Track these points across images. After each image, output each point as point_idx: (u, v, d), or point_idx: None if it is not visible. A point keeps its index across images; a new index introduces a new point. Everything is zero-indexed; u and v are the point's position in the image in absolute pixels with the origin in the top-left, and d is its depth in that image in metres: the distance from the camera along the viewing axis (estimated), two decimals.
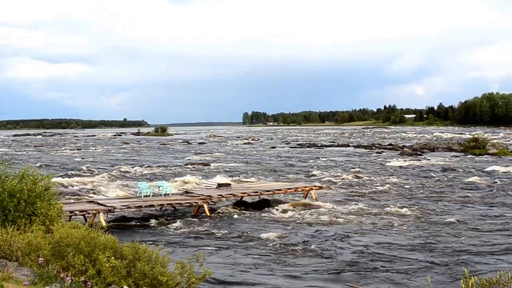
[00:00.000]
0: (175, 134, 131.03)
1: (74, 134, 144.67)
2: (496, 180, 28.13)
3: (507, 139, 77.83)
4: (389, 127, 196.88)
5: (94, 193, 24.13)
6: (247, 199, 21.27)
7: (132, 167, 37.15)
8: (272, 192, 21.14)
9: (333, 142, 77.69)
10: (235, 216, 18.60)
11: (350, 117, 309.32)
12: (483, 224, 16.72)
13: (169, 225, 16.85)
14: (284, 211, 19.27)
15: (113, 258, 7.05)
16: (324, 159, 44.87)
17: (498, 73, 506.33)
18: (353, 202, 21.00)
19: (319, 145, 69.34)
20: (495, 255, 12.84)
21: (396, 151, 54.67)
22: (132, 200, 18.80)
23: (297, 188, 22.31)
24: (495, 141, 65.49)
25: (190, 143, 77.52)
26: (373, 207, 19.99)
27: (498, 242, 14.27)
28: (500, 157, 44.54)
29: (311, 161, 42.90)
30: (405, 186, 26.09)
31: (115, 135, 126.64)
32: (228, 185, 22.53)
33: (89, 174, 33.03)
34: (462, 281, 5.53)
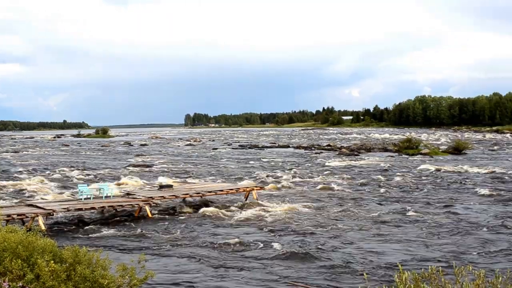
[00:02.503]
0: (117, 136, 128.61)
1: (12, 136, 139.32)
2: (427, 178, 29.20)
3: (438, 140, 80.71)
4: (327, 128, 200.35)
5: (33, 196, 23.41)
6: (189, 200, 21.23)
7: (72, 170, 36.30)
8: (214, 193, 21.19)
9: (274, 143, 78.32)
10: (177, 217, 18.54)
11: (290, 118, 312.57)
12: (417, 219, 17.31)
13: (110, 228, 16.61)
14: (226, 211, 19.35)
15: (52, 262, 6.90)
16: (265, 160, 45.23)
17: (429, 77, 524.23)
18: (294, 202, 21.30)
19: (260, 146, 69.79)
20: (425, 250, 13.33)
21: (335, 151, 55.73)
22: (72, 203, 18.39)
23: (239, 188, 22.44)
24: (427, 141, 67.85)
25: (132, 145, 76.37)
26: (313, 206, 20.35)
27: (427, 238, 14.83)
28: (432, 157, 46.26)
29: (253, 162, 43.17)
30: (343, 185, 26.66)
31: (54, 137, 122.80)
32: (170, 186, 22.39)
33: (28, 177, 32.00)
34: (396, 275, 5.73)
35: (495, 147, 61.85)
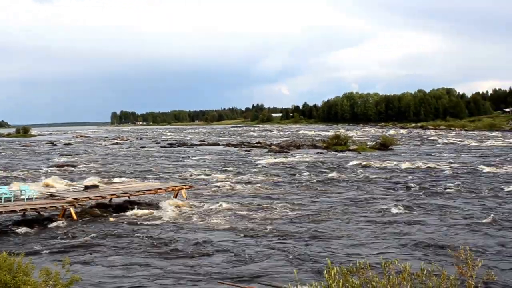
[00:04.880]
0: (39, 135, 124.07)
1: None
2: (355, 174, 29.91)
3: (366, 136, 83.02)
4: (257, 125, 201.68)
5: None
6: (116, 200, 20.72)
7: None
8: (142, 193, 20.77)
9: (203, 141, 78.06)
10: (104, 218, 18.04)
11: (220, 116, 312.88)
12: (344, 215, 17.66)
13: (33, 231, 15.95)
14: (155, 211, 19.02)
15: None
16: (194, 158, 44.94)
17: (356, 74, 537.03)
18: (223, 200, 21.22)
19: (189, 144, 69.35)
20: (357, 244, 13.60)
21: (265, 149, 56.13)
22: None
23: (167, 187, 22.11)
24: (355, 138, 69.64)
25: (55, 144, 73.84)
26: (243, 203, 20.36)
27: (359, 231, 15.15)
28: (360, 153, 47.52)
29: (182, 160, 42.79)
30: (274, 182, 26.87)
31: None
32: (96, 186, 21.74)
33: None
34: (325, 271, 5.77)
35: (420, 143, 64.27)
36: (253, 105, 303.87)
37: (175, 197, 21.56)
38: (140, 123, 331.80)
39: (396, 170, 32.46)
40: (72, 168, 36.35)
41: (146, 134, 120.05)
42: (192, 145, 66.55)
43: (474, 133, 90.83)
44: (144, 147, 63.81)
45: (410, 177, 28.62)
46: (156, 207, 19.83)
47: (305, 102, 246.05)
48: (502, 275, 10.52)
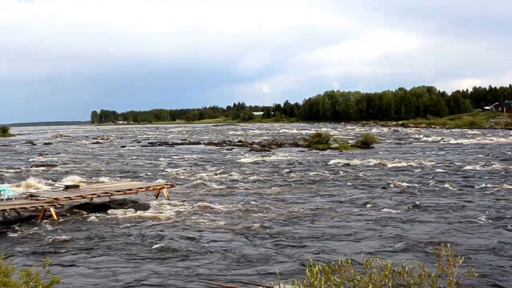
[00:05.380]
0: (18, 134, 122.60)
1: None
2: (337, 172, 30.06)
3: (347, 134, 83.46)
4: (239, 124, 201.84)
5: None
6: (97, 200, 20.54)
7: None
8: (123, 192, 20.62)
9: (185, 140, 77.84)
10: (85, 218, 17.88)
11: (201, 114, 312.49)
12: (327, 213, 17.72)
13: (13, 232, 15.75)
14: (136, 211, 18.90)
15: None
16: (176, 157, 44.78)
17: (338, 72, 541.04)
18: (205, 199, 21.20)
19: (171, 143, 69.10)
20: (336, 243, 13.65)
21: (246, 147, 56.14)
22: None
23: (149, 187, 21.98)
24: (336, 136, 70.00)
25: (35, 144, 73.02)
26: (225, 202, 20.33)
27: (343, 229, 15.22)
28: (341, 151, 47.74)
29: (163, 159, 42.61)
30: (255, 181, 26.87)
31: None
32: (76, 186, 21.54)
33: None
34: (307, 269, 5.78)
35: (401, 141, 64.76)
36: (234, 104, 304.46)
37: (157, 197, 21.46)
38: (121, 122, 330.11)
39: (378, 168, 32.67)
40: (52, 168, 36.00)
41: (127, 133, 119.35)
42: (173, 144, 66.33)
43: (454, 131, 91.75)
44: (124, 146, 63.44)
45: (392, 174, 28.82)
46: (137, 206, 19.69)
47: (287, 101, 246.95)
48: (485, 271, 10.63)
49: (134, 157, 45.75)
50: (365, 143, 53.57)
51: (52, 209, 17.69)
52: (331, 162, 36.73)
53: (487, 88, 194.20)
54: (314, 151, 49.13)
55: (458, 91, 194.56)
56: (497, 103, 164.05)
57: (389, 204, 19.57)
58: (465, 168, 31.39)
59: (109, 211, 18.78)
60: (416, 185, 24.52)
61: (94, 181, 27.37)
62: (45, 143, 74.93)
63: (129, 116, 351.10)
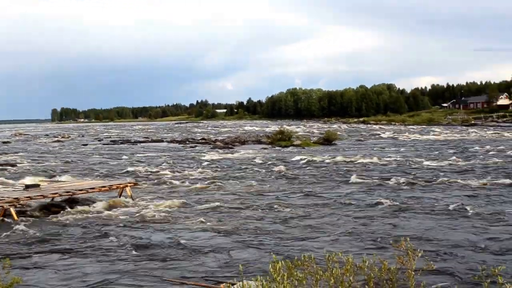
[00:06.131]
0: None
1: None
2: (300, 169, 30.34)
3: (310, 131, 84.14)
4: (201, 121, 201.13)
5: None
6: (59, 199, 20.24)
7: None
8: (85, 191, 20.33)
9: (147, 137, 77.19)
10: (46, 219, 17.61)
11: (163, 112, 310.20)
12: (290, 210, 17.90)
13: None
14: (98, 210, 18.71)
15: None
16: (138, 155, 44.40)
17: (300, 70, 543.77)
18: (169, 197, 21.13)
19: (133, 141, 68.44)
20: (298, 239, 13.83)
21: (209, 145, 56.09)
22: None
23: (112, 185, 21.73)
24: (299, 133, 70.54)
25: None
26: (188, 200, 20.30)
27: (307, 225, 15.40)
28: (304, 148, 48.23)
29: (125, 157, 42.20)
30: (218, 178, 26.87)
31: None
32: (37, 186, 21.14)
33: None
34: (270, 265, 5.87)
35: (362, 137, 65.67)
36: (197, 101, 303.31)
37: (120, 195, 21.27)
38: (82, 120, 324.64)
39: (339, 164, 33.08)
40: (11, 167, 35.20)
41: (89, 132, 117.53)
42: (135, 142, 65.71)
43: (413, 128, 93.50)
44: (86, 145, 62.53)
45: (354, 170, 29.23)
46: (100, 206, 19.49)
47: (250, 98, 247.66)
48: (445, 264, 10.93)
49: (96, 156, 45.18)
50: (327, 140, 54.20)
51: (12, 209, 17.34)
52: (294, 158, 37.03)
53: (445, 86, 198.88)
54: (277, 148, 49.40)
55: (417, 89, 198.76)
56: (454, 100, 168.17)
57: (352, 199, 19.88)
58: (425, 163, 32.11)
59: (71, 211, 18.54)
60: (377, 180, 24.98)
61: (55, 180, 26.92)
62: (3, 142, 73.13)
63: (91, 114, 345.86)
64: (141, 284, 10.51)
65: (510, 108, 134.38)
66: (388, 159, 35.67)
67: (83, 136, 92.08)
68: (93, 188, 20.79)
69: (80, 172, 31.61)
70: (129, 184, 22.05)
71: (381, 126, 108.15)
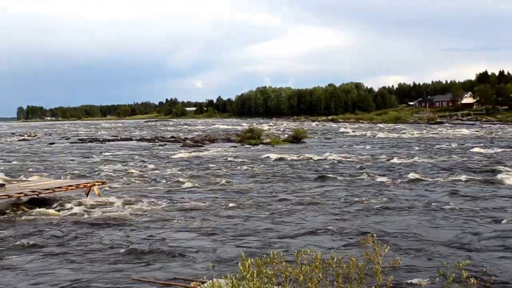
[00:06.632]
0: None
1: None
2: (269, 167, 30.42)
3: (279, 129, 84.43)
4: (171, 120, 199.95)
5: None
6: (24, 199, 19.87)
7: None
8: (52, 191, 20.00)
9: (116, 136, 76.40)
10: (11, 219, 17.27)
11: (133, 110, 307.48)
12: (259, 208, 17.94)
13: None
14: (65, 210, 18.44)
15: None
16: (107, 153, 43.91)
17: (269, 68, 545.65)
18: (137, 196, 20.95)
19: (101, 139, 67.65)
20: (267, 237, 13.88)
21: (179, 143, 55.81)
22: None
23: (79, 184, 21.42)
24: (268, 131, 70.74)
25: None
26: (158, 199, 20.17)
27: (278, 223, 15.46)
28: (273, 146, 48.42)
29: (94, 156, 41.68)
30: (188, 176, 26.77)
31: None
32: (2, 185, 20.72)
33: None
34: (240, 263, 5.89)
35: (331, 135, 66.21)
36: (166, 99, 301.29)
37: (87, 194, 20.99)
38: (49, 118, 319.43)
39: (308, 162, 33.31)
40: None
41: (56, 130, 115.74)
42: (104, 141, 64.97)
43: (381, 126, 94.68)
44: (53, 143, 61.56)
45: (323, 168, 29.48)
46: (67, 205, 19.21)
47: (219, 96, 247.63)
48: (412, 259, 11.11)
49: (63, 154, 44.50)
50: (297, 138, 54.52)
51: None
52: (263, 156, 37.15)
53: (411, 85, 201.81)
54: (246, 146, 49.48)
55: (384, 87, 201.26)
56: (420, 99, 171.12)
57: (323, 196, 20.04)
58: (392, 161, 32.53)
59: (38, 211, 18.23)
60: (347, 177, 25.23)
61: (21, 179, 26.43)
62: None
63: (58, 112, 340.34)
64: (110, 284, 10.41)
65: (474, 106, 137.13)
66: (356, 156, 36.06)
67: (50, 134, 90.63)
68: (59, 188, 20.44)
69: (47, 171, 31.11)
70: (96, 183, 21.77)
71: (349, 124, 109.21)
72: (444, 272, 6.22)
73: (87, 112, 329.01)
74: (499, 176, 24.17)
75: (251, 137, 53.81)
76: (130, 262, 11.89)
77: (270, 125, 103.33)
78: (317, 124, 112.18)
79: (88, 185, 21.43)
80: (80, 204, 19.35)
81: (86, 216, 17.36)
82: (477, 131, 69.23)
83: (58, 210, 18.34)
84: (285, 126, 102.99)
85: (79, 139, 69.23)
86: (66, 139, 72.88)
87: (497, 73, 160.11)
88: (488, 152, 37.75)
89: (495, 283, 9.64)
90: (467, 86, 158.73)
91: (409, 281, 9.88)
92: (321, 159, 34.56)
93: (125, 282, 10.49)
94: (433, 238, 13.32)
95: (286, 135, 61.89)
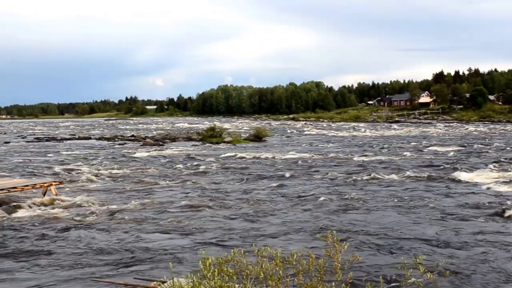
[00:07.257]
0: None
1: None
2: (230, 165, 30.41)
3: (240, 128, 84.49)
4: (131, 118, 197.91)
5: None
6: None
7: None
8: (6, 191, 19.48)
9: (74, 135, 75.11)
10: None
11: (91, 108, 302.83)
12: (220, 206, 17.91)
13: None
14: (21, 210, 17.99)
15: None
16: (65, 153, 43.09)
17: (231, 67, 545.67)
18: (97, 195, 20.63)
19: (59, 138, 66.37)
20: (225, 234, 13.87)
21: (139, 142, 55.27)
22: None
23: (35, 184, 20.95)
24: (230, 130, 70.73)
25: None
26: (117, 199, 19.93)
27: (237, 221, 15.45)
28: (235, 145, 48.39)
29: (51, 155, 40.84)
30: (147, 176, 26.52)
31: None
32: None
33: None
34: (200, 261, 5.86)
35: (291, 134, 66.61)
36: (126, 98, 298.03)
37: (44, 194, 20.55)
38: (4, 116, 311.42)
39: (269, 160, 33.45)
40: None
41: (11, 129, 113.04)
42: (62, 140, 63.74)
43: (341, 124, 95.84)
44: (9, 142, 60.05)
45: (283, 166, 29.63)
46: (23, 205, 18.77)
47: (180, 95, 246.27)
48: (373, 255, 11.26)
49: (19, 154, 43.43)
50: (257, 137, 54.69)
51: None
52: (225, 155, 37.17)
53: (371, 84, 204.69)
54: (207, 144, 49.36)
55: (344, 87, 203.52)
56: (379, 98, 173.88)
57: (284, 193, 20.15)
58: (353, 158, 32.98)
59: None
60: (307, 175, 25.45)
61: None
62: None
63: (13, 110, 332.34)
64: (68, 285, 10.22)
65: (431, 105, 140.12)
66: (316, 154, 36.39)
67: (5, 133, 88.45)
68: (15, 188, 19.91)
69: (1, 171, 30.33)
70: (53, 183, 21.32)
71: (310, 122, 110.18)
72: (402, 267, 6.32)
73: (44, 110, 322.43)
74: (456, 173, 24.88)
75: (212, 136, 53.78)
76: (90, 263, 11.70)
77: (231, 124, 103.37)
78: (278, 123, 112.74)
79: (45, 185, 20.96)
80: (37, 204, 18.92)
81: (43, 216, 16.98)
82: (438, 130, 70.85)
83: (13, 211, 17.89)
84: (246, 124, 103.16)
85: (35, 138, 67.74)
86: (22, 138, 71.23)
87: (453, 73, 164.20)
88: (444, 150, 38.68)
89: (451, 275, 9.87)
90: (424, 85, 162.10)
91: (369, 277, 10.02)
92: (280, 158, 34.76)
93: (84, 283, 10.32)
94: (395, 234, 13.55)
95: (247, 134, 62.02)
